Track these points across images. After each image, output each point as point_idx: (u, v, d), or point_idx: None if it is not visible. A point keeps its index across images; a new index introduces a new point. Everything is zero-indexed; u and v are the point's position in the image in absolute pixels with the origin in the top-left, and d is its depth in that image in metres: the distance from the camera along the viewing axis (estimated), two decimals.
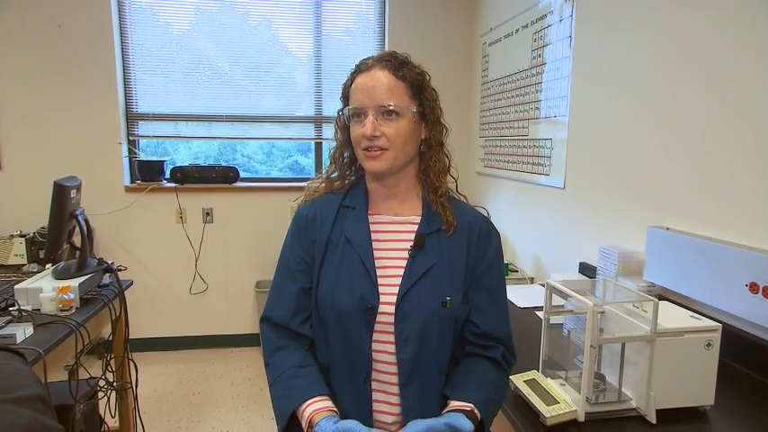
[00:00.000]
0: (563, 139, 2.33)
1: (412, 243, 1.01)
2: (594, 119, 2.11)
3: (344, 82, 1.06)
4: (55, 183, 1.80)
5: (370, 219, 1.05)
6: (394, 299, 0.98)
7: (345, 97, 1.05)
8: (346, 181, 1.11)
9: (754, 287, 1.30)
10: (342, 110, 1.06)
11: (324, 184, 1.12)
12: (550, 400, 1.09)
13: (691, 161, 1.59)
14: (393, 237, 1.04)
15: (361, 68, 1.02)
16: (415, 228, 1.03)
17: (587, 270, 2.06)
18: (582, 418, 1.05)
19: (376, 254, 1.01)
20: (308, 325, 1.03)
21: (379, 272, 0.99)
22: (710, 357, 1.08)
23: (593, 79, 2.12)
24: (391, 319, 0.97)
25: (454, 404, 0.93)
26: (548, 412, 1.05)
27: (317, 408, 0.92)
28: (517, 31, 2.80)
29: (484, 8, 3.37)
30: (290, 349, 1.01)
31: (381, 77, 0.98)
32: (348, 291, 0.98)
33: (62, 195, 1.82)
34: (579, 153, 2.24)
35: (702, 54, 1.54)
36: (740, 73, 1.41)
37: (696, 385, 1.09)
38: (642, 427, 1.06)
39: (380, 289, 0.98)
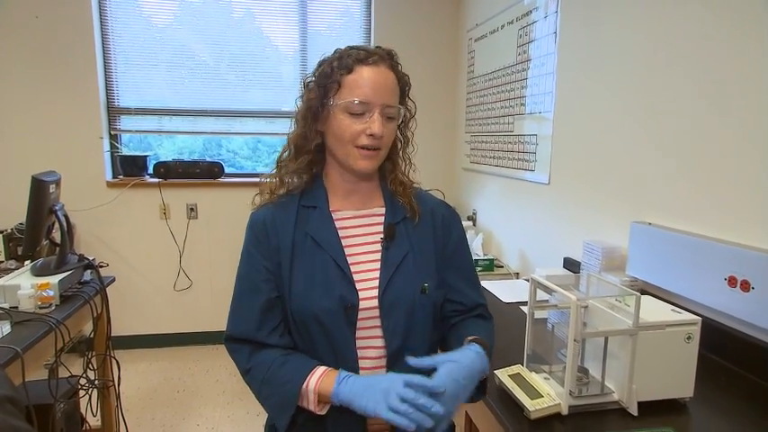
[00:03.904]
0: (548, 135, 2.35)
1: (380, 235, 1.01)
2: (579, 115, 2.13)
3: (332, 66, 0.96)
4: (33, 177, 1.76)
5: (334, 215, 1.02)
6: (374, 293, 0.97)
7: (337, 83, 0.94)
8: (304, 178, 1.04)
9: (732, 281, 1.32)
10: (328, 97, 0.95)
11: (277, 180, 1.04)
12: (534, 393, 1.10)
13: (673, 158, 1.61)
14: (360, 231, 1.03)
15: (367, 61, 0.95)
16: (380, 219, 1.04)
17: (571, 265, 2.08)
18: (565, 412, 1.06)
19: (346, 251, 0.99)
20: (278, 335, 0.97)
21: (352, 268, 0.98)
22: (690, 350, 1.10)
23: (578, 75, 2.13)
24: (375, 313, 0.97)
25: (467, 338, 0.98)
26: (531, 406, 1.06)
27: (320, 374, 0.91)
28: (503, 26, 2.81)
29: (469, 4, 3.37)
30: (267, 349, 0.97)
31: (389, 77, 0.97)
32: (326, 293, 0.95)
33: (40, 190, 1.78)
34: (564, 149, 2.26)
35: (687, 51, 1.56)
36: (723, 70, 1.43)
37: (676, 378, 1.11)
38: (624, 419, 1.07)
39: (358, 285, 0.97)
